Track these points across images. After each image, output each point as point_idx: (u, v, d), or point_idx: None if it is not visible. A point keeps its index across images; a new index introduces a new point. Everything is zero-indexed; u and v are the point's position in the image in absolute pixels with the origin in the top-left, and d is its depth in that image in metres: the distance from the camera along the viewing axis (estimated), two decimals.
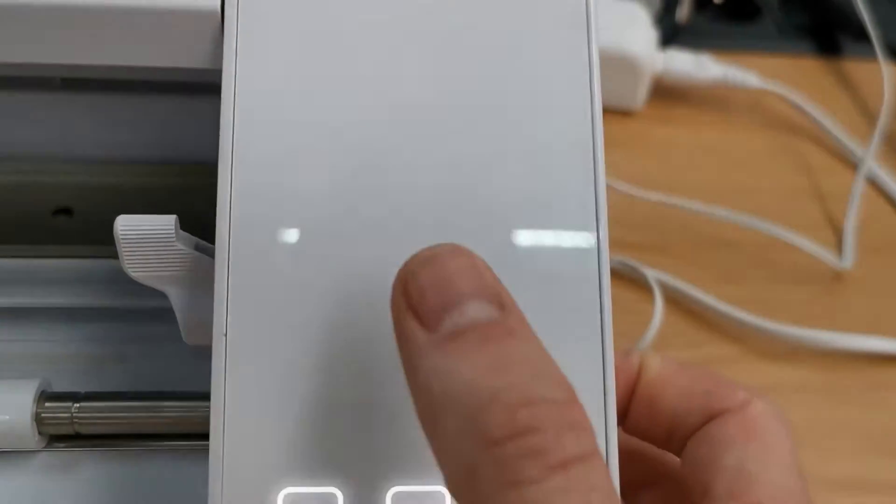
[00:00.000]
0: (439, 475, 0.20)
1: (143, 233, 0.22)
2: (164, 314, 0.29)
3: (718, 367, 0.37)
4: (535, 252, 0.21)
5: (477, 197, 0.21)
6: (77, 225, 0.32)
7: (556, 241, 0.21)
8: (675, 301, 0.39)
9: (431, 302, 0.17)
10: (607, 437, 0.21)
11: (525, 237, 0.21)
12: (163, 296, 0.29)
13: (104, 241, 0.30)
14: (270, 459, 0.20)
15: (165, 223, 0.22)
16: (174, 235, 0.22)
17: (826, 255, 0.40)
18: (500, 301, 0.18)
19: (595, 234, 0.21)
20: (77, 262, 0.30)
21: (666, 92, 0.47)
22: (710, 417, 0.23)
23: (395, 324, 0.18)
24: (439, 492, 0.20)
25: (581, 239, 0.21)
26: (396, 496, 0.20)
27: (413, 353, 0.17)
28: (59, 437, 0.26)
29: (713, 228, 0.41)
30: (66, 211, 0.32)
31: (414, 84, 0.22)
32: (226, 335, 0.20)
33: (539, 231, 0.21)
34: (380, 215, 0.21)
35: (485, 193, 0.21)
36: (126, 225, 0.22)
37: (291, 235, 0.21)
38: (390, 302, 0.18)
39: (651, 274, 0.38)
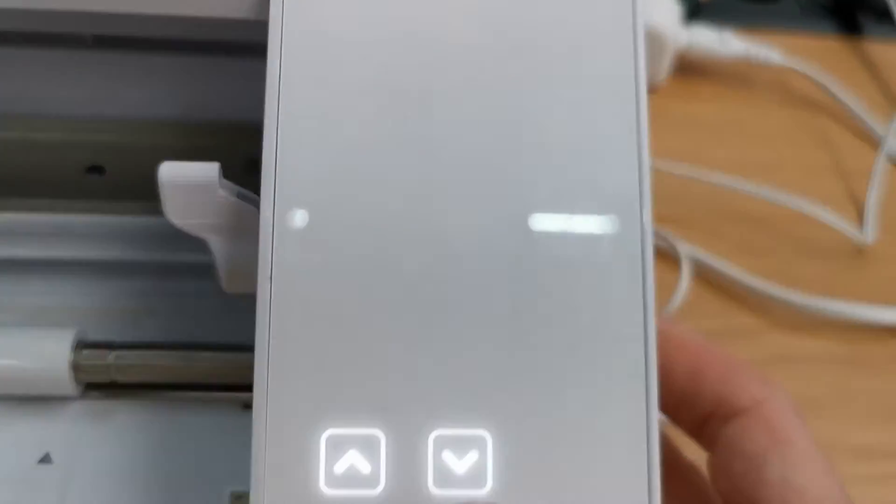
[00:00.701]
0: (483, 419, 0.20)
1: (186, 179, 0.22)
2: (195, 270, 0.29)
3: (741, 339, 0.37)
4: (577, 230, 0.21)
5: (518, 171, 0.21)
6: (109, 183, 0.32)
7: (598, 218, 0.21)
8: (699, 272, 0.39)
9: None
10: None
11: (567, 216, 0.21)
12: (195, 251, 0.29)
13: (136, 200, 0.31)
14: (314, 402, 0.20)
15: (209, 170, 0.22)
16: (217, 183, 0.22)
17: (848, 229, 0.40)
18: None
19: (639, 210, 0.21)
20: (110, 218, 0.30)
21: (688, 68, 0.47)
22: (721, 406, 0.23)
23: None
24: (481, 436, 0.20)
25: (624, 216, 0.21)
26: (438, 439, 0.20)
27: None
28: (95, 386, 0.26)
29: (736, 203, 0.41)
30: (98, 169, 0.32)
31: (459, 53, 0.22)
32: (271, 279, 0.20)
33: (582, 208, 0.21)
34: (425, 169, 0.21)
35: (526, 168, 0.21)
36: (169, 171, 0.22)
37: (338, 182, 0.21)
38: None
39: (677, 243, 0.38)
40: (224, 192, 0.22)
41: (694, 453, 0.25)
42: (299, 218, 0.21)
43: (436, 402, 0.20)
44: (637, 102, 0.22)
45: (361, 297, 0.20)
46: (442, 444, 0.20)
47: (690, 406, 0.24)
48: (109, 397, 0.26)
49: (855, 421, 0.35)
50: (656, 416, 0.21)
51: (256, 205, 0.22)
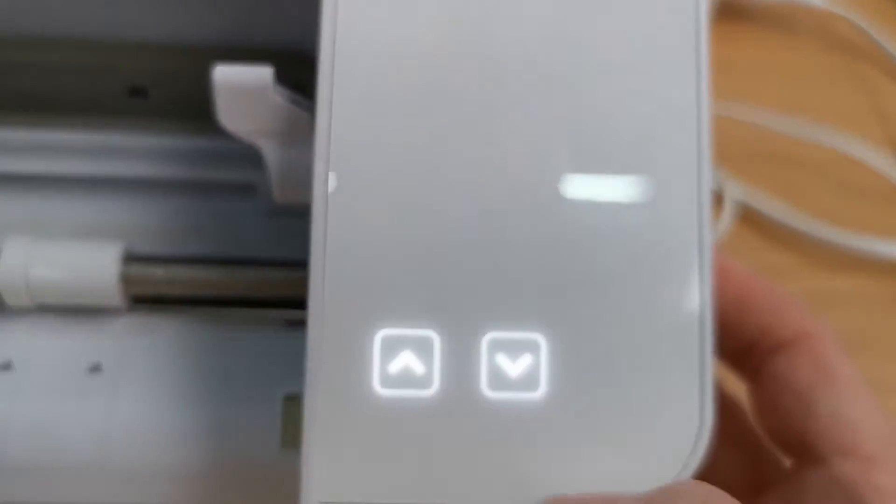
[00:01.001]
0: (536, 323, 0.20)
1: (240, 82, 0.22)
2: (241, 189, 0.29)
3: (780, 277, 0.37)
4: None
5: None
6: (152, 106, 0.32)
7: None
8: (740, 210, 0.39)
9: None
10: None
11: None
12: (240, 171, 0.29)
13: (180, 121, 0.31)
14: (369, 302, 0.20)
15: (263, 74, 0.22)
16: (270, 87, 0.22)
17: (889, 171, 0.40)
18: None
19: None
20: (155, 137, 0.30)
21: (729, 10, 0.46)
22: (766, 337, 0.23)
23: None
24: (534, 339, 0.20)
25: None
26: (492, 342, 0.20)
27: None
28: (142, 299, 0.26)
29: (777, 143, 0.41)
30: (142, 92, 0.32)
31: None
32: (326, 182, 0.20)
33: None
34: (479, 110, 0.21)
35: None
36: (223, 74, 0.22)
37: (396, 91, 0.21)
38: None
39: (723, 180, 0.38)
40: (278, 97, 0.22)
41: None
42: (356, 123, 0.21)
43: (490, 305, 0.20)
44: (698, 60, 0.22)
45: (419, 200, 0.20)
46: (496, 346, 0.20)
47: (734, 336, 0.24)
48: (157, 311, 0.26)
49: (889, 357, 0.35)
50: (710, 328, 0.21)
51: (310, 111, 0.22)
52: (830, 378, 0.22)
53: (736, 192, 0.38)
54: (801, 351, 0.22)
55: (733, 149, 0.41)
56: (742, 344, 0.24)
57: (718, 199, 0.38)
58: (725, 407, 0.25)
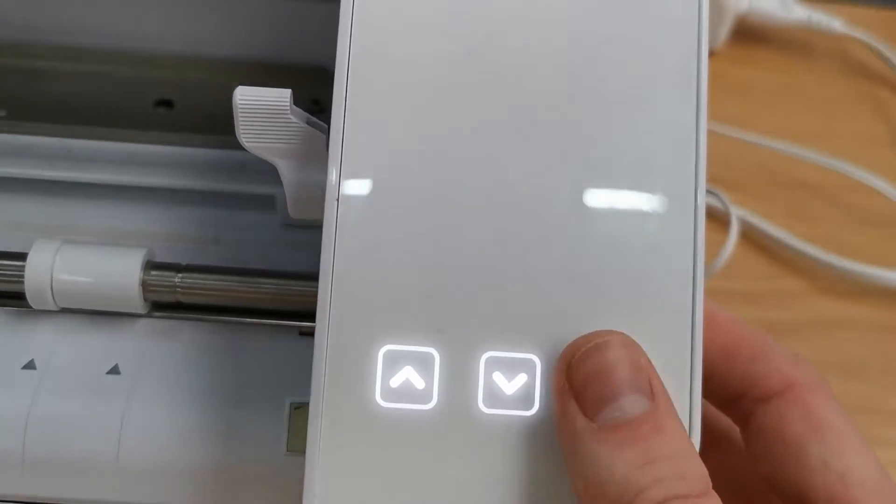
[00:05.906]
0: (533, 344, 0.21)
1: (259, 103, 0.23)
2: (260, 202, 0.30)
3: (787, 302, 0.38)
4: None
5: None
6: (177, 117, 0.33)
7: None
8: (747, 234, 0.39)
9: (593, 392, 0.19)
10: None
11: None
12: (260, 183, 0.30)
13: (203, 133, 0.32)
14: (373, 319, 0.21)
15: (281, 95, 0.23)
16: (288, 108, 0.23)
17: None
18: (653, 392, 0.19)
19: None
20: (179, 148, 0.31)
21: (747, 33, 0.47)
22: (753, 387, 0.23)
23: (557, 403, 0.20)
24: (531, 359, 0.21)
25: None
26: (489, 360, 0.21)
27: (573, 435, 0.19)
28: (161, 305, 0.27)
29: (790, 168, 0.41)
30: (168, 103, 0.33)
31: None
32: (338, 200, 0.21)
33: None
34: (486, 129, 0.22)
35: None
36: (244, 95, 0.23)
37: (406, 119, 0.22)
38: (552, 381, 0.20)
39: (730, 204, 0.38)
40: (294, 117, 0.23)
41: None
42: (367, 146, 0.22)
43: (489, 326, 0.21)
44: (699, 66, 0.22)
45: (426, 221, 0.21)
46: (493, 365, 0.21)
47: (721, 384, 0.24)
48: (174, 317, 0.27)
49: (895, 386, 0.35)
50: (700, 354, 0.21)
51: (325, 132, 0.23)
52: (820, 429, 0.22)
53: (744, 214, 0.39)
54: (790, 401, 0.23)
55: (745, 172, 0.41)
56: (730, 392, 0.24)
57: (726, 224, 0.38)
58: (721, 449, 0.25)
